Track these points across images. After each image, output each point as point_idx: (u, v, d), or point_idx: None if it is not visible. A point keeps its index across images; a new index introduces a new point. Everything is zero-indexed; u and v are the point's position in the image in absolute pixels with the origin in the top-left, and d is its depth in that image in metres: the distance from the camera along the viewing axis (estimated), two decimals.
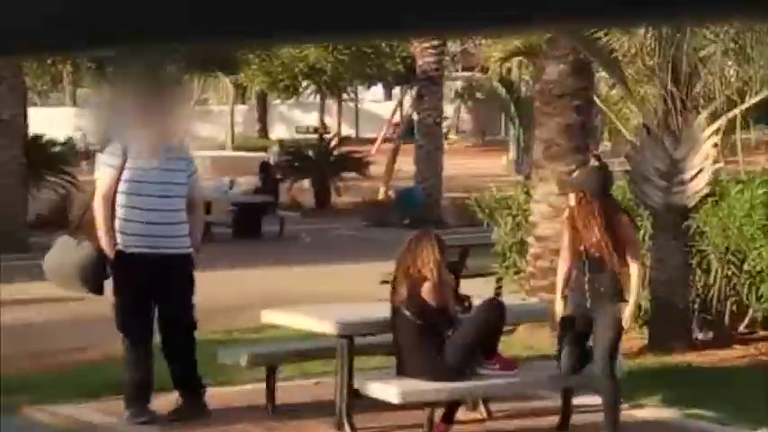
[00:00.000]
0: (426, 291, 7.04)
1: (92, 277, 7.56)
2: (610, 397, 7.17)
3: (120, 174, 7.50)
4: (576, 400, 7.74)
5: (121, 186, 7.54)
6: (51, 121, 32.47)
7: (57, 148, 22.08)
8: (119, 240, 7.50)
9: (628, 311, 7.30)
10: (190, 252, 7.62)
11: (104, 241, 7.53)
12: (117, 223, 7.51)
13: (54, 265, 7.73)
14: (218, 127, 42.37)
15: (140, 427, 7.54)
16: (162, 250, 7.45)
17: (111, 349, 9.91)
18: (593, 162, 7.94)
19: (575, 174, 7.95)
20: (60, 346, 9.96)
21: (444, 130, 27.68)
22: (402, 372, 7.15)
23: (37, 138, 20.80)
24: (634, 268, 7.33)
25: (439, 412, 7.28)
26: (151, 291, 7.52)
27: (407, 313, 7.07)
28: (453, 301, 7.26)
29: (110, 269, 7.53)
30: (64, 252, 7.68)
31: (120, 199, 7.52)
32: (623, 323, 7.31)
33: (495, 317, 7.34)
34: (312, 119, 45.08)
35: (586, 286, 7.27)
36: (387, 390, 6.97)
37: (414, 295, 7.06)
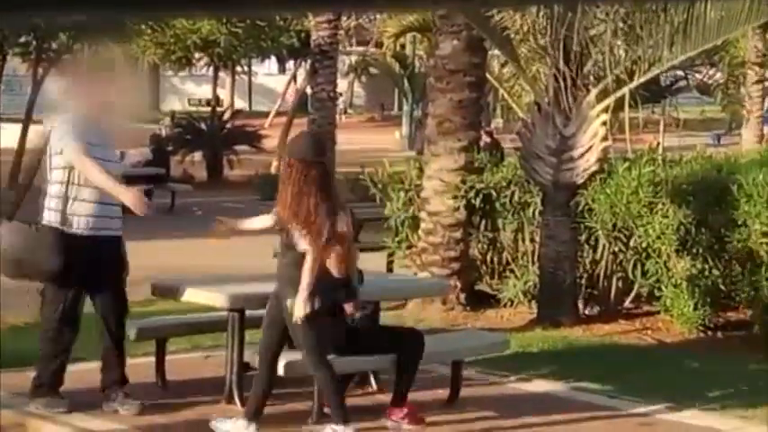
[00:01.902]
0: (332, 261, 6.97)
1: (32, 261, 7.06)
2: (321, 384, 6.90)
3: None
4: (466, 373, 7.81)
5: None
6: None
7: None
8: (73, 222, 7.06)
9: (296, 301, 6.59)
10: (121, 234, 7.34)
11: (115, 187, 7.05)
12: (68, 204, 7.07)
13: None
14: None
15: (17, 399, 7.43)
16: (106, 232, 7.13)
17: None
18: (485, 138, 7.92)
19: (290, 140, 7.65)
20: None
21: (340, 106, 27.66)
22: (293, 344, 7.14)
23: None
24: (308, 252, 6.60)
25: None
26: (91, 275, 7.11)
27: None
28: (356, 275, 7.18)
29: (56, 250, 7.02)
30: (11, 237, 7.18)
31: (65, 177, 7.10)
32: (296, 314, 6.59)
33: (413, 352, 7.06)
34: (205, 91, 44.57)
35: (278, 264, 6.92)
36: (284, 365, 6.94)
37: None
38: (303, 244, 6.61)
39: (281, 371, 6.88)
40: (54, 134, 7.19)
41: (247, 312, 7.27)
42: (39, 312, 7.49)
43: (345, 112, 30.87)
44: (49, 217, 7.14)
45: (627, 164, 10.40)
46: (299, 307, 6.57)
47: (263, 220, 6.96)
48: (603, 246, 10.34)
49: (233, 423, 6.78)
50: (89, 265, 7.06)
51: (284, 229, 6.71)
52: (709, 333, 9.85)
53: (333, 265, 6.87)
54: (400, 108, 42.02)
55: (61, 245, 7.03)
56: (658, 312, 10.24)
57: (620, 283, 10.44)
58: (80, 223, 7.10)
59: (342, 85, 35.68)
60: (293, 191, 6.60)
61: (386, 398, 7.25)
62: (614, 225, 10.14)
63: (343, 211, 7.03)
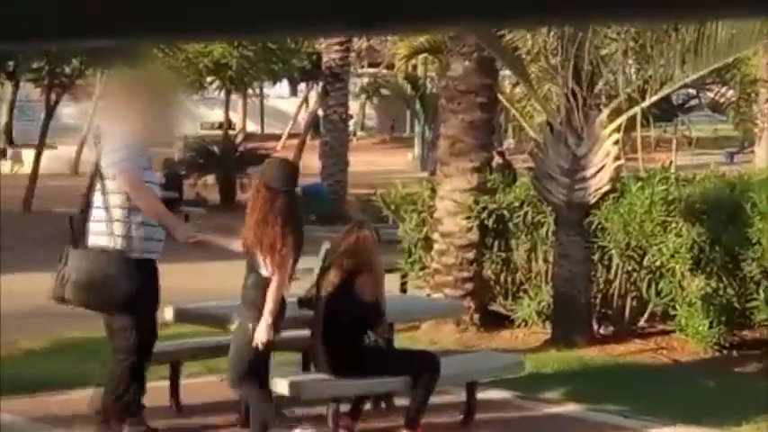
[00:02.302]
0: (361, 284, 7.01)
1: (108, 289, 6.94)
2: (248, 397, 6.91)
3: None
4: (481, 395, 7.79)
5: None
6: None
7: None
8: (135, 246, 6.96)
9: (259, 326, 6.56)
10: None
11: (174, 224, 7.16)
12: (134, 229, 6.96)
13: (75, 283, 7.00)
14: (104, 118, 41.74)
15: (42, 424, 7.43)
16: (157, 255, 7.08)
17: (10, 347, 9.77)
18: (498, 159, 7.93)
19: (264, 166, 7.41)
20: None
21: (351, 128, 27.72)
22: (317, 362, 7.14)
23: None
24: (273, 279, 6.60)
25: (345, 408, 7.28)
26: (155, 301, 7.07)
27: (338, 304, 7.01)
28: (384, 296, 7.18)
29: (124, 277, 6.88)
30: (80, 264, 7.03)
31: (126, 202, 6.99)
32: (257, 338, 6.55)
33: (427, 375, 7.08)
34: (217, 115, 44.77)
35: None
36: (289, 385, 6.94)
37: (347, 287, 7.02)
38: (265, 270, 6.59)
39: (297, 393, 6.88)
40: (105, 159, 7.07)
41: None
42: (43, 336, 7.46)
43: (355, 134, 30.95)
44: (113, 242, 6.97)
45: (640, 183, 10.39)
46: (260, 332, 6.54)
47: (237, 244, 6.92)
48: (617, 265, 10.33)
49: None
50: (155, 289, 6.99)
51: (249, 251, 6.69)
52: (725, 352, 9.81)
53: (366, 291, 6.90)
54: (412, 129, 42.07)
55: (130, 270, 6.90)
56: (673, 332, 10.21)
57: (634, 303, 10.41)
58: (144, 247, 7.00)
59: (353, 106, 35.76)
60: (257, 217, 6.59)
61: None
62: (628, 244, 10.12)
63: (369, 230, 7.05)
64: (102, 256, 6.99)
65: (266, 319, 6.53)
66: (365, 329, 7.12)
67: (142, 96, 7.51)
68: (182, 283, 10.25)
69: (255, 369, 6.69)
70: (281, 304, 6.69)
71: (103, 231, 7.03)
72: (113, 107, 8.00)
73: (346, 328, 7.06)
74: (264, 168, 7.02)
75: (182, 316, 7.76)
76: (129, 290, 6.89)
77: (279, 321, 6.65)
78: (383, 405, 7.82)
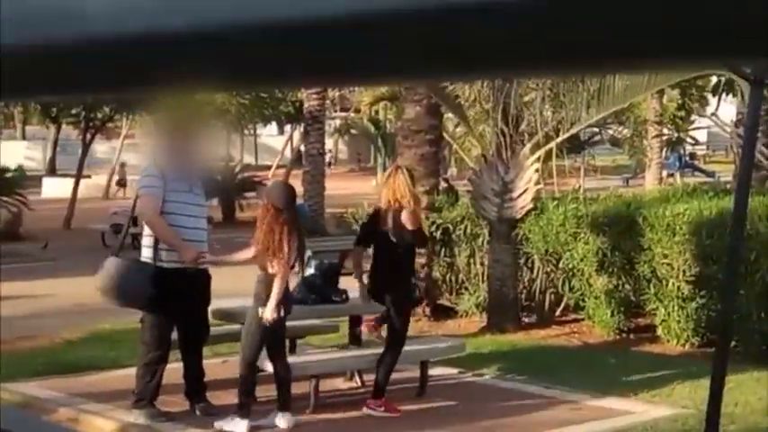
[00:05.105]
0: (404, 217, 6.95)
1: (133, 291, 6.68)
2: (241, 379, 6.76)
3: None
4: (431, 371, 7.78)
5: (165, 207, 6.77)
6: (4, 153, 31.65)
7: (9, 174, 21.55)
8: (163, 257, 6.71)
9: (268, 307, 6.51)
10: (207, 269, 7.02)
11: (177, 243, 6.71)
12: (159, 242, 6.74)
13: (104, 285, 6.78)
14: (143, 156, 41.56)
15: (80, 398, 7.34)
16: (197, 265, 6.80)
17: (54, 337, 9.67)
18: (443, 184, 7.91)
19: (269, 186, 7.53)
20: (12, 335, 9.66)
21: (327, 160, 27.64)
22: (377, 297, 7.11)
23: None
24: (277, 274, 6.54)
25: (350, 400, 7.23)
26: (183, 302, 6.75)
27: (393, 239, 6.96)
28: (424, 225, 7.11)
29: (150, 283, 6.64)
30: (112, 271, 6.77)
31: (164, 219, 6.78)
32: (266, 316, 6.49)
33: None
34: (219, 149, 44.57)
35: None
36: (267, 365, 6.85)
37: (396, 222, 6.96)
38: (272, 269, 6.54)
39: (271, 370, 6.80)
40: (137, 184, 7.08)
41: None
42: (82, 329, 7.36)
43: (330, 165, 30.96)
44: (145, 253, 6.85)
45: (555, 202, 10.42)
46: (268, 311, 6.48)
47: (246, 253, 6.85)
48: (538, 267, 10.34)
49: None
50: (177, 296, 6.68)
51: (259, 256, 6.62)
52: (623, 335, 9.84)
53: (408, 221, 6.91)
54: (375, 161, 42.05)
55: (153, 277, 6.65)
56: (583, 319, 10.23)
57: (552, 297, 10.43)
58: (169, 258, 6.76)
59: (328, 143, 35.72)
60: (266, 229, 6.54)
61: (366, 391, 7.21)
62: (546, 250, 10.14)
63: (402, 173, 7.07)
64: (128, 264, 6.82)
65: (272, 301, 6.47)
66: (413, 256, 7.13)
67: (177, 131, 7.43)
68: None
69: (271, 345, 6.61)
70: (286, 296, 6.64)
71: (142, 244, 6.95)
72: (152, 141, 7.96)
73: (401, 257, 7.03)
74: (270, 190, 6.97)
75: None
76: (146, 293, 6.65)
77: (285, 306, 6.58)
78: (358, 380, 7.78)
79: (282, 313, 6.55)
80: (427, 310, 10.72)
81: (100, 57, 0.60)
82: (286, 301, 6.64)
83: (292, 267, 6.69)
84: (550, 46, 0.46)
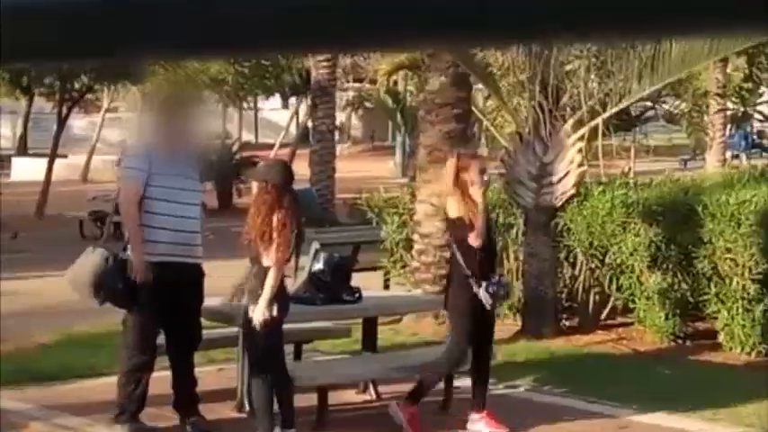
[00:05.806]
0: (448, 205, 7.14)
1: (105, 286, 6.63)
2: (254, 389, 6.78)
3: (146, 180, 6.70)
4: (457, 382, 7.78)
5: (150, 193, 6.70)
6: None
7: None
8: (146, 249, 6.61)
9: (257, 307, 6.48)
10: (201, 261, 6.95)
11: (136, 248, 6.61)
12: (145, 231, 6.63)
13: (72, 275, 6.77)
14: (127, 132, 41.74)
15: (54, 412, 7.38)
16: (187, 259, 6.73)
17: (25, 341, 9.72)
18: None
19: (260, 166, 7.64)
20: None
21: (337, 138, 27.68)
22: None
23: None
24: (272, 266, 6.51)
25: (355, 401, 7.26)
26: (171, 301, 6.66)
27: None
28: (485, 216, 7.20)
29: (127, 278, 6.61)
30: (83, 261, 6.75)
31: (149, 205, 6.69)
32: (255, 318, 6.46)
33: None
34: (215, 126, 44.69)
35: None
36: None
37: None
38: (266, 259, 6.50)
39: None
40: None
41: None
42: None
43: (345, 141, 31.03)
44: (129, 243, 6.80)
45: (601, 187, 10.40)
46: (257, 312, 6.46)
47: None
48: (581, 263, 10.33)
49: None
50: (165, 293, 6.61)
51: (251, 244, 6.57)
52: (679, 342, 9.83)
53: (451, 209, 7.06)
54: (394, 139, 42.03)
55: (118, 270, 6.64)
56: (632, 323, 10.22)
57: (597, 297, 10.42)
58: (153, 250, 6.68)
59: (340, 118, 35.73)
60: (265, 213, 6.50)
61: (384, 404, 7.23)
62: (591, 243, 10.13)
63: (451, 156, 7.30)
64: (103, 255, 6.76)
65: (264, 297, 6.42)
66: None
67: (166, 108, 7.42)
68: None
69: (269, 348, 6.57)
70: (283, 292, 6.62)
71: (125, 233, 6.95)
72: (140, 120, 7.97)
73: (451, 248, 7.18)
74: (268, 168, 6.94)
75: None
76: (125, 289, 6.64)
77: (282, 304, 6.54)
78: (372, 392, 7.81)
79: (277, 313, 6.52)
80: None
81: (78, 18, 0.60)
82: (283, 298, 6.63)
83: (288, 260, 6.66)
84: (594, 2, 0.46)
